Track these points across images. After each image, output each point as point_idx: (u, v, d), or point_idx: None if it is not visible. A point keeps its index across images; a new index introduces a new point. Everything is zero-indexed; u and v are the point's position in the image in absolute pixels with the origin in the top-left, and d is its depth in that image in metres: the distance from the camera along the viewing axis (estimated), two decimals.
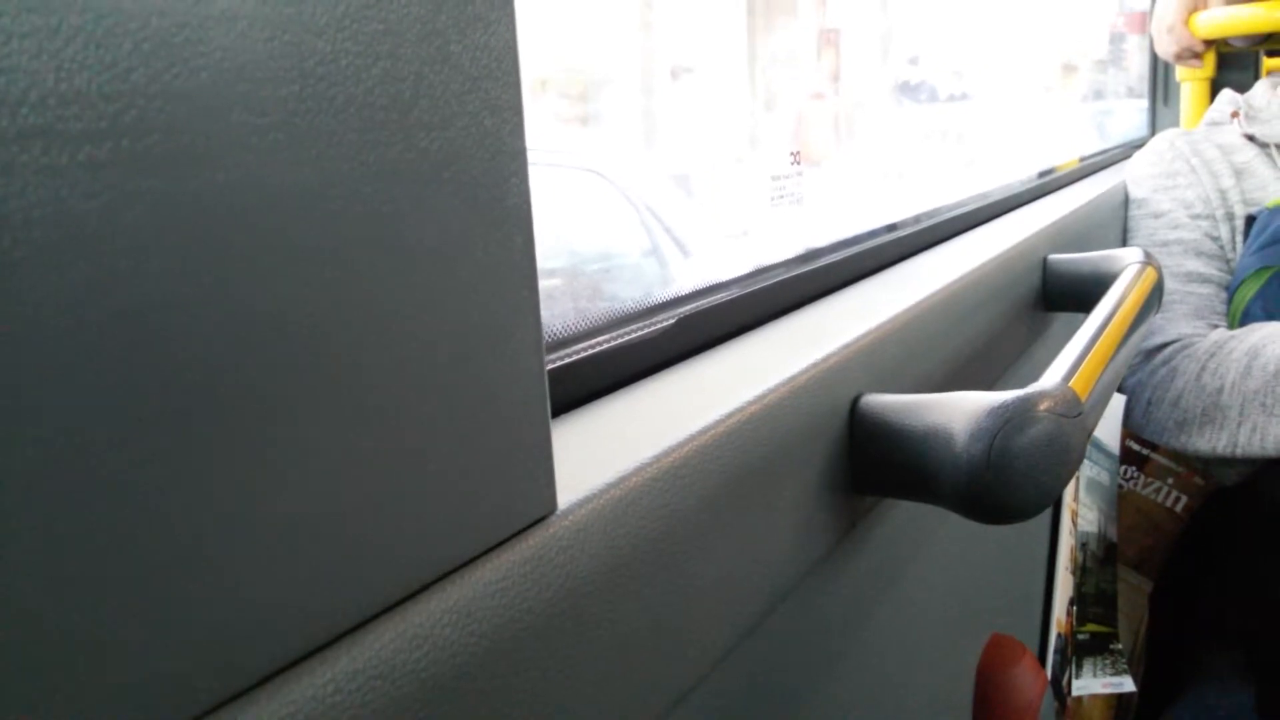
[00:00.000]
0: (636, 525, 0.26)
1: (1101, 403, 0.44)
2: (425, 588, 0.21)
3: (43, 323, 0.13)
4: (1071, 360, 0.42)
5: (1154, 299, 0.61)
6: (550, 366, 0.34)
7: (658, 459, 0.28)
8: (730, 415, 0.31)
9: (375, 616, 0.19)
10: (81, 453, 0.14)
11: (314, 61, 0.17)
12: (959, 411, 0.36)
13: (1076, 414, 0.37)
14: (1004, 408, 0.35)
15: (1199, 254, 1.00)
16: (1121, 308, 0.53)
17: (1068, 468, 0.36)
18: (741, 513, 0.32)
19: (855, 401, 0.39)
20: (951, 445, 0.35)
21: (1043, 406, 0.36)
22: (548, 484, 0.24)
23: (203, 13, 0.15)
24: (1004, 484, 0.34)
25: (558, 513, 0.24)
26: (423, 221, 0.20)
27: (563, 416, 0.32)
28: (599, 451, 0.28)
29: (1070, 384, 0.39)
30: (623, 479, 0.26)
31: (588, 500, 0.25)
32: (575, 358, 0.35)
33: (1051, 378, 0.40)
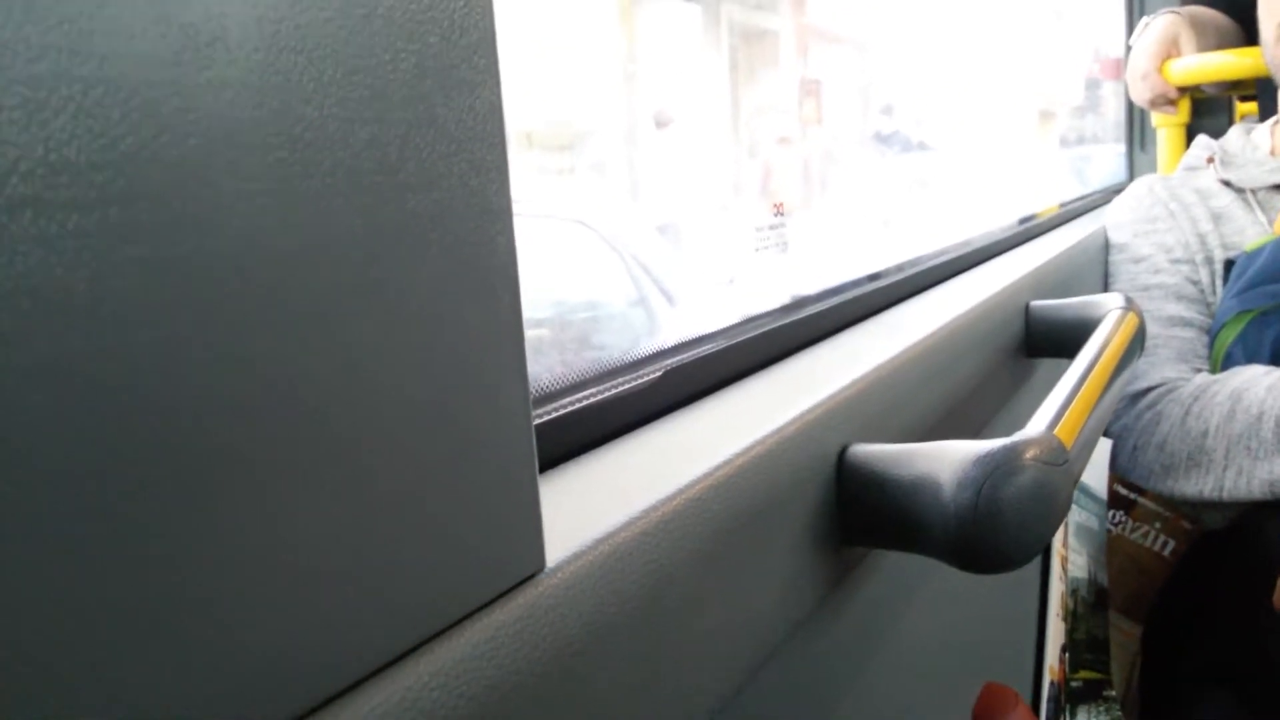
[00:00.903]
0: (626, 581, 0.26)
1: (1087, 449, 0.44)
2: (411, 650, 0.20)
3: (31, 392, 0.13)
4: (1056, 407, 0.43)
5: (1136, 344, 0.61)
6: (537, 421, 0.34)
7: (647, 513, 0.28)
8: (719, 467, 0.31)
9: (359, 682, 0.19)
10: (69, 528, 0.14)
11: (301, 127, 0.17)
12: (946, 461, 0.36)
13: (1062, 461, 0.37)
14: (990, 457, 0.35)
15: (1180, 298, 1.01)
16: (1104, 354, 0.53)
17: (1055, 515, 0.36)
18: (731, 566, 0.31)
19: (843, 452, 0.39)
20: (939, 495, 0.35)
21: (1029, 455, 0.36)
22: (536, 541, 0.24)
23: (191, 81, 0.15)
24: (992, 533, 0.34)
25: (546, 570, 0.24)
26: (410, 282, 0.20)
27: (550, 471, 0.32)
28: (587, 506, 0.28)
29: (1055, 431, 0.39)
30: (612, 534, 0.26)
31: (577, 556, 0.25)
32: (562, 412, 0.35)
33: (1036, 425, 0.40)
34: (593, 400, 0.36)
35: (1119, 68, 1.80)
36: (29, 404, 0.13)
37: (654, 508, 0.28)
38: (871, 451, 0.38)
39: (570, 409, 0.35)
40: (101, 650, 0.14)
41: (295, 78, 0.17)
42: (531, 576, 0.24)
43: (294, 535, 0.17)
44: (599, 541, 0.26)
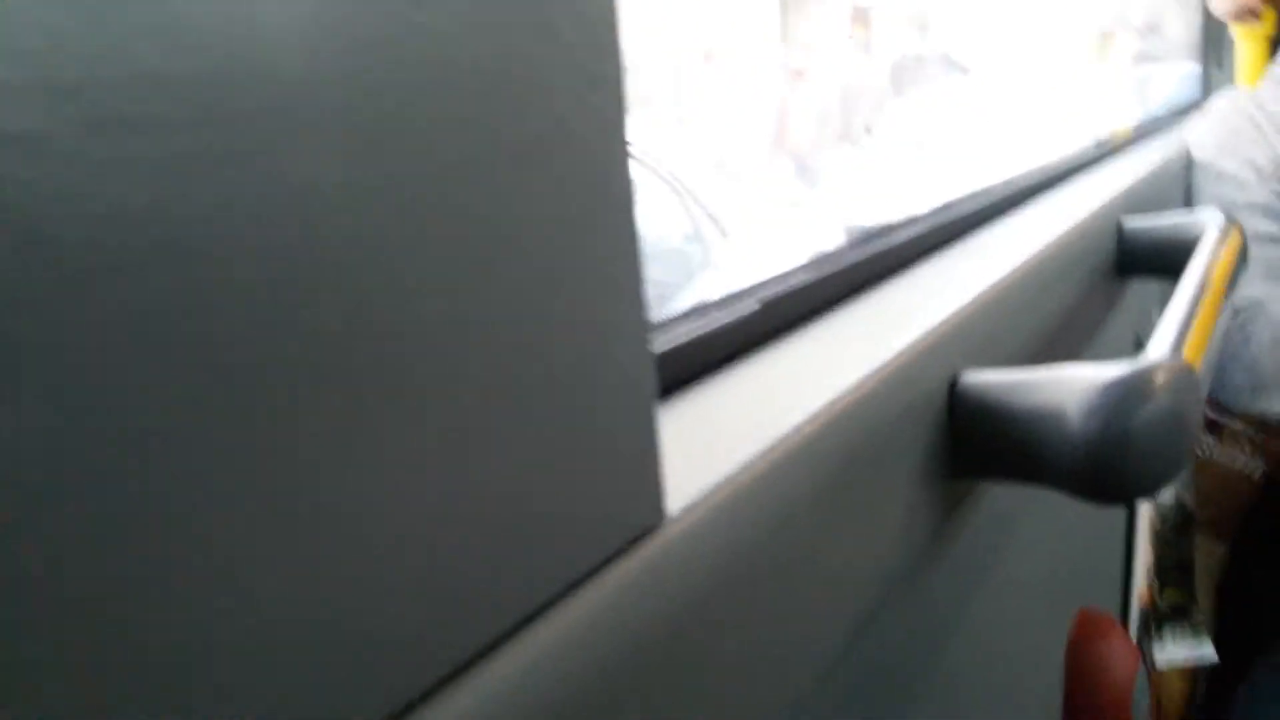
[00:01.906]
0: (748, 528, 0.25)
1: (1209, 372, 0.41)
2: (529, 619, 0.19)
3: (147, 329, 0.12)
4: (1175, 329, 0.40)
5: (1242, 261, 0.58)
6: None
7: (764, 454, 0.26)
8: (833, 403, 0.30)
9: (479, 656, 0.18)
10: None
11: (402, 28, 0.15)
12: (1069, 389, 0.34)
13: (1192, 386, 0.35)
14: (1119, 384, 0.33)
15: (1268, 214, 0.97)
16: (1216, 271, 0.50)
17: (1187, 441, 0.34)
18: (848, 505, 0.30)
19: (954, 381, 0.37)
20: (1064, 425, 0.33)
21: (1159, 380, 0.33)
22: (655, 490, 0.22)
23: None
24: (1124, 463, 0.32)
25: (666, 521, 0.22)
26: (524, 204, 0.18)
27: (662, 406, 0.31)
28: (702, 448, 0.27)
29: (1183, 354, 0.37)
30: (731, 479, 0.25)
31: (697, 505, 0.23)
32: (664, 347, 0.33)
33: (1159, 348, 0.38)
34: (689, 335, 0.35)
35: None
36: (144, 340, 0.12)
37: (771, 449, 0.26)
38: (985, 380, 0.36)
39: (670, 344, 0.34)
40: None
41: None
42: (651, 529, 0.22)
43: (398, 499, 0.16)
44: (719, 487, 0.24)
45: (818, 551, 0.28)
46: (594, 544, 0.20)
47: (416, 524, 0.16)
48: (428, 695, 0.16)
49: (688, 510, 0.23)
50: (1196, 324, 0.41)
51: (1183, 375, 0.35)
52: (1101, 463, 0.32)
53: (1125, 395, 0.32)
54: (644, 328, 0.22)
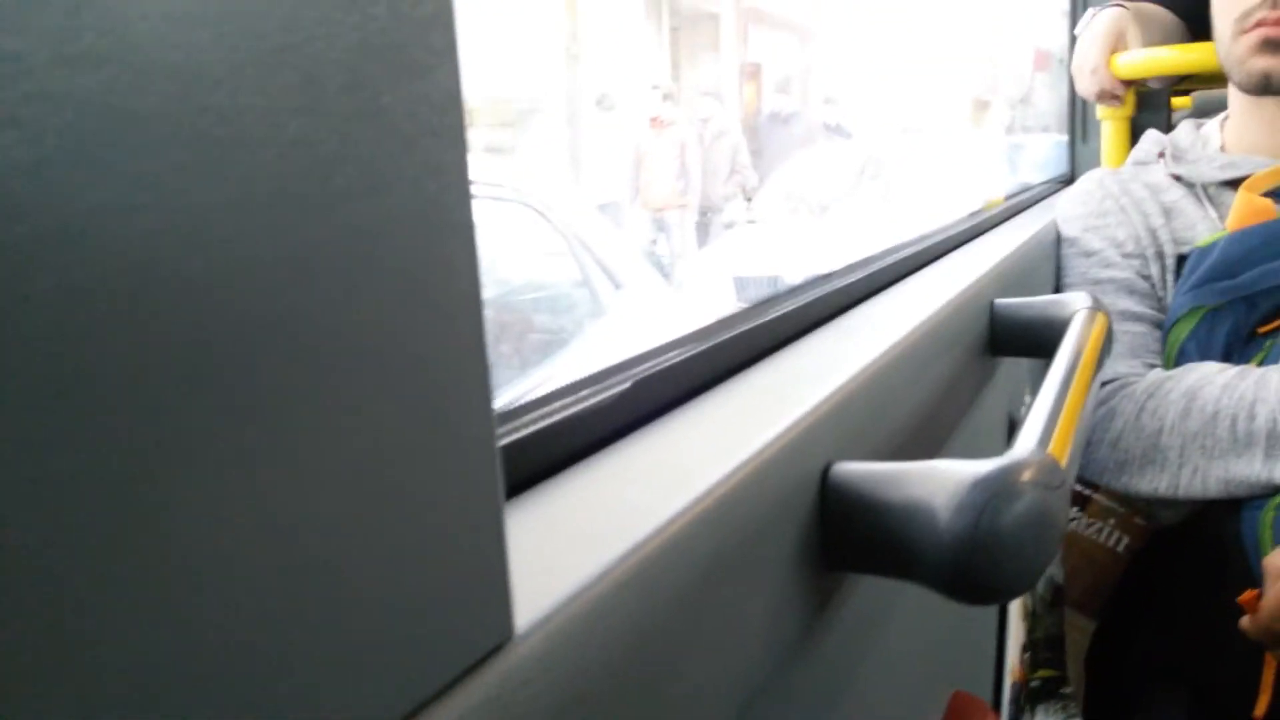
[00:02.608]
0: (606, 638, 0.23)
1: (1076, 463, 0.42)
2: None
3: None
4: (1044, 420, 0.40)
5: (1108, 346, 0.60)
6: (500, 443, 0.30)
7: (625, 557, 0.24)
8: (701, 498, 0.28)
9: None
10: None
11: (208, 120, 0.13)
12: (939, 485, 0.33)
13: (1059, 484, 0.35)
14: (987, 481, 0.32)
15: (1132, 293, 1.01)
16: (1082, 358, 0.51)
17: (1054, 541, 0.34)
18: (715, 604, 0.28)
19: (826, 471, 0.36)
20: (934, 521, 0.33)
21: (1025, 478, 0.33)
22: (504, 602, 0.20)
23: (48, 63, 0.12)
24: (992, 562, 0.32)
25: (516, 637, 0.20)
26: (349, 311, 0.16)
27: (511, 503, 0.29)
28: (558, 552, 0.25)
29: (1049, 450, 0.37)
30: (589, 586, 0.23)
31: (550, 618, 0.21)
32: (524, 432, 0.31)
33: (1027, 443, 0.38)
34: (557, 417, 0.33)
35: (1048, 60, 1.80)
36: None
37: (632, 551, 0.25)
38: (857, 471, 0.35)
39: (532, 428, 0.32)
40: None
41: (199, 56, 0.13)
42: (499, 647, 0.20)
43: (206, 619, 0.14)
44: (573, 597, 0.22)
45: (682, 657, 0.27)
46: (433, 665, 0.18)
47: (240, 646, 0.14)
48: None
49: (540, 624, 0.21)
50: (1064, 413, 0.42)
51: (1049, 471, 0.34)
52: (969, 561, 0.32)
53: (994, 493, 0.32)
54: (490, 426, 0.20)
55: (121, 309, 0.12)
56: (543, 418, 0.33)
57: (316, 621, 0.16)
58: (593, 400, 0.35)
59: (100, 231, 0.12)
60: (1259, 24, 0.94)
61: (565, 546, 0.25)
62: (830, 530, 0.35)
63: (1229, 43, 0.99)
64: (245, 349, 0.14)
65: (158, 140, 0.13)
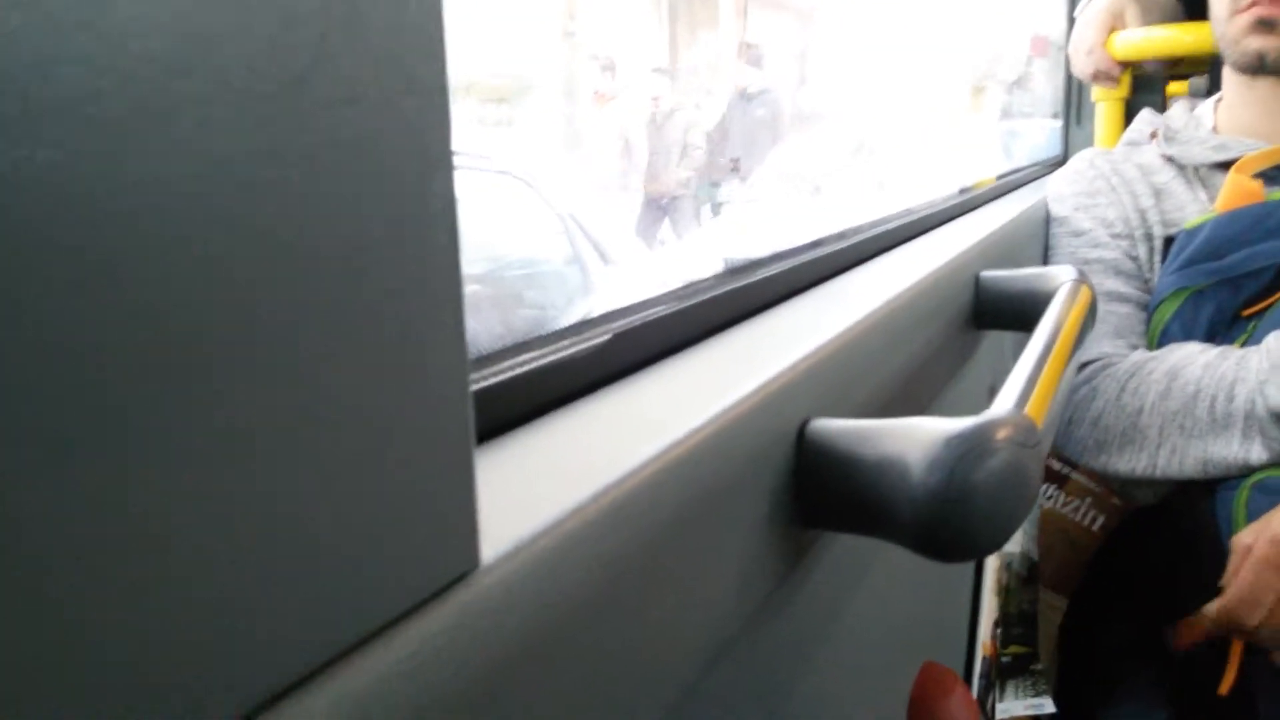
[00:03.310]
0: (572, 577, 0.23)
1: (1053, 428, 0.42)
2: (320, 669, 0.17)
3: None
4: (1021, 384, 0.40)
5: (1090, 318, 0.60)
6: (477, 386, 0.30)
7: (594, 499, 0.24)
8: (673, 446, 0.28)
9: (258, 708, 0.16)
10: None
11: (177, 18, 0.13)
12: (914, 440, 0.33)
13: (1034, 442, 0.35)
14: (961, 437, 0.33)
15: (1119, 273, 1.01)
16: (1064, 327, 0.51)
17: (1027, 499, 0.34)
18: (686, 553, 0.28)
19: (803, 427, 0.36)
20: (907, 477, 0.33)
21: (1001, 435, 0.33)
22: (470, 534, 0.20)
23: None
24: (964, 519, 0.32)
25: (482, 568, 0.21)
26: (321, 219, 0.16)
27: (485, 446, 0.29)
28: (528, 491, 0.25)
29: (1026, 410, 0.37)
30: (556, 524, 0.23)
31: (517, 551, 0.22)
32: (502, 377, 0.31)
33: (1004, 404, 0.38)
34: (535, 365, 0.33)
35: (1046, 46, 1.80)
36: None
37: (602, 493, 0.25)
38: (833, 427, 0.36)
39: (510, 374, 0.32)
40: None
41: None
42: (464, 576, 0.20)
43: (174, 535, 0.14)
44: (541, 533, 0.22)
45: (649, 599, 0.27)
46: (399, 589, 0.19)
47: (211, 554, 0.14)
48: None
49: (506, 556, 0.21)
50: (1042, 379, 0.42)
51: (1024, 430, 0.34)
52: (941, 517, 0.32)
53: (967, 449, 0.32)
54: (463, 365, 0.20)
55: (83, 199, 0.12)
56: (525, 363, 0.33)
57: (284, 542, 0.16)
58: (572, 350, 0.35)
59: (62, 127, 0.12)
60: (1254, 3, 0.94)
61: (537, 485, 0.25)
62: (806, 486, 0.35)
63: (1224, 22, 0.99)
64: (212, 252, 0.14)
65: (115, 34, 0.13)
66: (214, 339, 0.14)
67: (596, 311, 0.40)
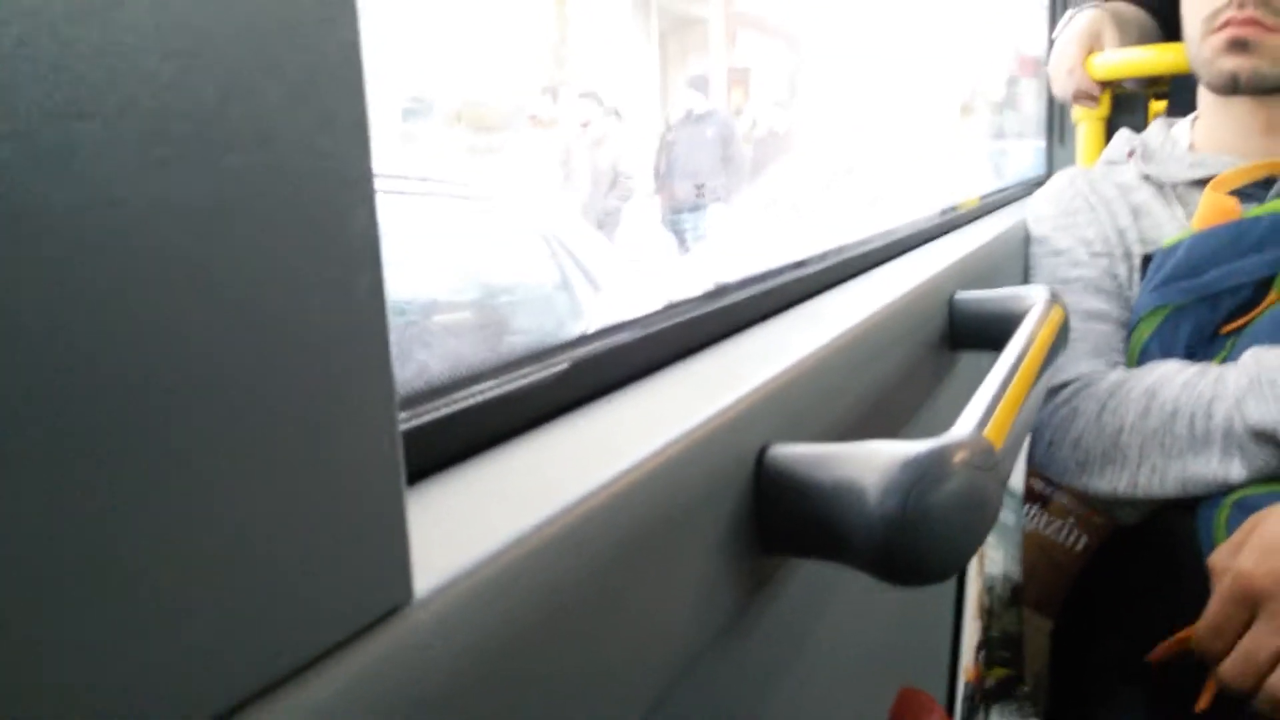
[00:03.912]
0: (513, 609, 0.23)
1: (1015, 449, 0.42)
2: (246, 702, 0.17)
3: None
4: (983, 406, 0.41)
5: (1062, 338, 0.60)
6: (426, 419, 0.30)
7: (538, 529, 0.24)
8: (624, 473, 0.28)
9: None
10: None
11: (73, 58, 0.13)
12: (870, 465, 0.33)
13: (991, 465, 0.35)
14: (917, 461, 0.33)
15: (1099, 291, 1.01)
16: (1031, 349, 0.51)
17: (985, 523, 0.34)
18: (637, 583, 0.28)
19: (762, 452, 0.36)
20: (864, 501, 0.33)
21: (957, 459, 0.33)
22: (401, 567, 0.20)
23: None
24: (919, 543, 0.32)
25: (415, 601, 0.20)
26: (237, 258, 0.16)
27: (435, 477, 0.29)
28: (469, 523, 0.25)
29: (984, 433, 0.37)
30: (495, 555, 0.23)
31: (452, 584, 0.21)
32: (456, 407, 0.31)
33: (964, 426, 0.38)
34: (489, 395, 0.33)
35: (1036, 66, 1.81)
36: None
37: (546, 523, 0.25)
38: (792, 452, 0.36)
39: (463, 404, 0.32)
40: None
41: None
42: (395, 610, 0.20)
43: (93, 555, 0.14)
44: (480, 564, 0.22)
45: (600, 629, 0.26)
46: (328, 623, 0.18)
47: (138, 584, 0.14)
48: None
49: (440, 589, 0.21)
50: (1004, 401, 0.42)
51: (982, 453, 0.35)
52: (897, 542, 0.32)
53: (923, 473, 0.32)
54: (388, 392, 0.20)
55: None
56: (482, 392, 0.33)
57: (210, 574, 0.16)
58: (531, 379, 0.35)
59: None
60: (1226, 24, 0.95)
61: (478, 516, 0.25)
62: (765, 512, 0.35)
63: (1198, 43, 1.00)
64: (116, 295, 0.14)
65: (21, 76, 0.13)
66: (137, 380, 0.14)
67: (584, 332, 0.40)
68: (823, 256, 0.69)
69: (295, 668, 0.18)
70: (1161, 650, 0.78)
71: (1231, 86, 0.98)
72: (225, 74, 0.16)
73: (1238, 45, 0.96)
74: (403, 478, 0.20)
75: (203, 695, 0.16)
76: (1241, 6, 0.94)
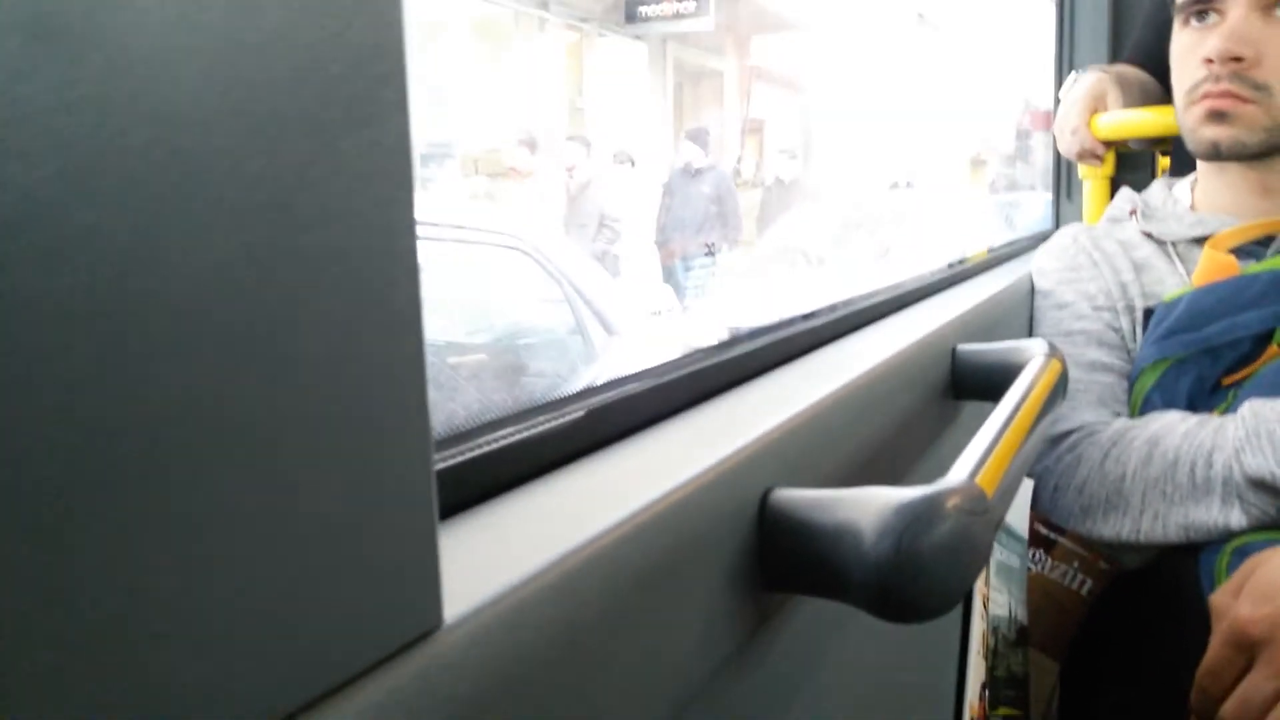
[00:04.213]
0: (533, 636, 0.25)
1: (1009, 495, 0.44)
2: (286, 718, 0.19)
3: None
4: (979, 455, 0.43)
5: (1059, 390, 0.62)
6: (451, 463, 0.33)
7: (556, 563, 0.27)
8: (636, 513, 0.30)
9: None
10: None
11: (181, 156, 0.16)
12: (867, 509, 0.36)
13: (983, 510, 0.37)
14: (911, 506, 0.35)
15: (1101, 344, 1.04)
16: (1027, 400, 0.54)
17: (975, 564, 0.36)
18: (646, 615, 0.30)
19: (765, 496, 0.38)
20: (860, 543, 0.35)
21: (950, 504, 0.35)
22: (433, 594, 0.23)
23: (45, 97, 0.14)
24: (912, 582, 0.34)
25: (444, 627, 0.23)
26: (302, 323, 0.19)
27: (461, 516, 0.31)
28: (495, 556, 0.27)
29: (977, 479, 0.39)
30: (518, 586, 0.25)
31: (479, 611, 0.24)
32: (479, 451, 0.34)
33: (959, 474, 0.40)
34: (512, 439, 0.35)
35: (1049, 120, 1.84)
36: None
37: (565, 557, 0.27)
38: (794, 496, 0.38)
39: (488, 448, 0.34)
40: None
41: (175, 98, 0.16)
42: (427, 634, 0.22)
43: (139, 583, 0.16)
44: (502, 595, 0.25)
45: (612, 658, 0.29)
46: (364, 645, 0.21)
47: (190, 606, 0.16)
48: None
49: (468, 615, 0.24)
50: (998, 449, 0.44)
51: (974, 499, 0.37)
52: (891, 582, 0.34)
53: (915, 517, 0.34)
54: (425, 435, 0.22)
55: (99, 302, 0.15)
56: (504, 438, 0.35)
57: (261, 596, 0.18)
58: (549, 425, 0.37)
59: (81, 245, 0.15)
60: (1204, 96, 0.99)
61: (506, 551, 0.28)
62: (768, 551, 0.38)
63: (1182, 112, 1.04)
64: (204, 350, 0.17)
65: (125, 170, 0.15)
66: (200, 418, 0.17)
67: (600, 380, 0.43)
68: (831, 308, 0.71)
69: (337, 684, 0.20)
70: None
71: (1214, 154, 1.02)
72: (296, 166, 0.18)
73: (1216, 116, 1.00)
74: (435, 513, 0.23)
75: (251, 707, 0.18)
76: (1217, 80, 0.98)
